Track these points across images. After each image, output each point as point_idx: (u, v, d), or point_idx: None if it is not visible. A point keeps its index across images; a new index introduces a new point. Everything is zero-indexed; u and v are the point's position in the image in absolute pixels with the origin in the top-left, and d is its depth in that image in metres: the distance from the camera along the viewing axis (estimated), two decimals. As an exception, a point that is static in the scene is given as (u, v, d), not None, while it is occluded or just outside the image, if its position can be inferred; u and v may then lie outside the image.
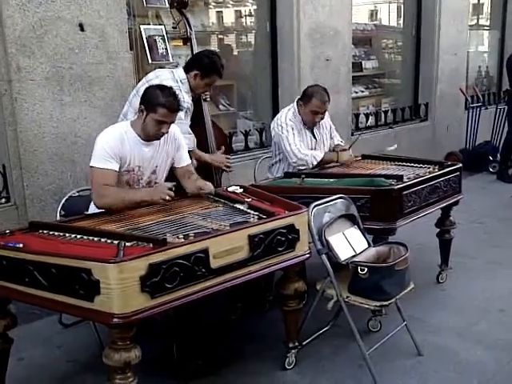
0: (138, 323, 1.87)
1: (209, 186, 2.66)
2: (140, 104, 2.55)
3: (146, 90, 2.60)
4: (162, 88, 2.56)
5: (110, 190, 2.44)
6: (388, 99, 6.42)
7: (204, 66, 3.06)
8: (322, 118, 3.44)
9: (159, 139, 2.60)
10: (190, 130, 3.08)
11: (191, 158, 2.93)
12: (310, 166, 3.34)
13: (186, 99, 3.02)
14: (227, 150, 3.52)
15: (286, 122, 3.37)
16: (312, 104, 3.34)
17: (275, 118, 3.49)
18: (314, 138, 3.50)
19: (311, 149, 3.46)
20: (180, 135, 2.78)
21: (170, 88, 2.58)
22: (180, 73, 3.09)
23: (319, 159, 3.36)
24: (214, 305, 2.58)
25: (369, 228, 2.78)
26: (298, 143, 3.34)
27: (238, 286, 2.16)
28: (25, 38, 3.14)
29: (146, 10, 4.07)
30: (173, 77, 3.05)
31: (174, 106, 2.52)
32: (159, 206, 2.51)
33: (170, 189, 2.44)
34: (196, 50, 3.39)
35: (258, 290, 2.96)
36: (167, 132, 2.56)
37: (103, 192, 2.43)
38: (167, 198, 2.41)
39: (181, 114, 2.98)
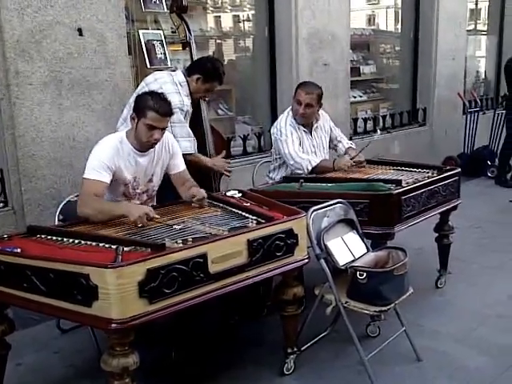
0: (136, 329, 1.86)
1: (201, 193, 2.59)
2: (132, 112, 2.52)
3: (137, 98, 2.57)
4: (153, 93, 2.54)
5: (92, 200, 2.38)
6: (386, 104, 6.43)
7: (207, 70, 3.07)
8: (308, 112, 3.36)
9: (153, 147, 2.56)
10: (191, 132, 3.07)
11: (189, 161, 2.92)
12: (305, 171, 3.33)
13: (185, 102, 3.02)
14: (227, 155, 3.51)
15: (286, 126, 3.40)
16: (297, 93, 3.40)
17: (275, 123, 3.51)
18: (312, 140, 3.50)
19: (311, 152, 3.46)
20: (174, 141, 2.75)
21: (161, 93, 2.56)
22: (179, 76, 3.09)
23: (314, 164, 3.35)
24: (213, 310, 2.57)
25: (367, 233, 2.78)
26: (296, 147, 3.36)
27: (237, 291, 2.15)
28: (23, 42, 3.14)
29: (145, 14, 4.08)
30: (172, 80, 3.05)
31: (164, 110, 2.47)
32: (158, 211, 2.49)
33: (150, 219, 2.29)
34: (195, 54, 3.40)
35: (256, 295, 2.95)
36: (160, 139, 2.52)
37: (86, 201, 2.38)
38: (139, 224, 2.27)
39: (181, 117, 2.98)
